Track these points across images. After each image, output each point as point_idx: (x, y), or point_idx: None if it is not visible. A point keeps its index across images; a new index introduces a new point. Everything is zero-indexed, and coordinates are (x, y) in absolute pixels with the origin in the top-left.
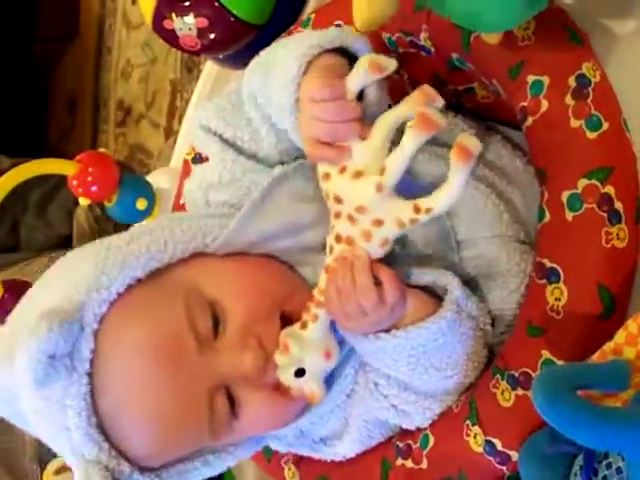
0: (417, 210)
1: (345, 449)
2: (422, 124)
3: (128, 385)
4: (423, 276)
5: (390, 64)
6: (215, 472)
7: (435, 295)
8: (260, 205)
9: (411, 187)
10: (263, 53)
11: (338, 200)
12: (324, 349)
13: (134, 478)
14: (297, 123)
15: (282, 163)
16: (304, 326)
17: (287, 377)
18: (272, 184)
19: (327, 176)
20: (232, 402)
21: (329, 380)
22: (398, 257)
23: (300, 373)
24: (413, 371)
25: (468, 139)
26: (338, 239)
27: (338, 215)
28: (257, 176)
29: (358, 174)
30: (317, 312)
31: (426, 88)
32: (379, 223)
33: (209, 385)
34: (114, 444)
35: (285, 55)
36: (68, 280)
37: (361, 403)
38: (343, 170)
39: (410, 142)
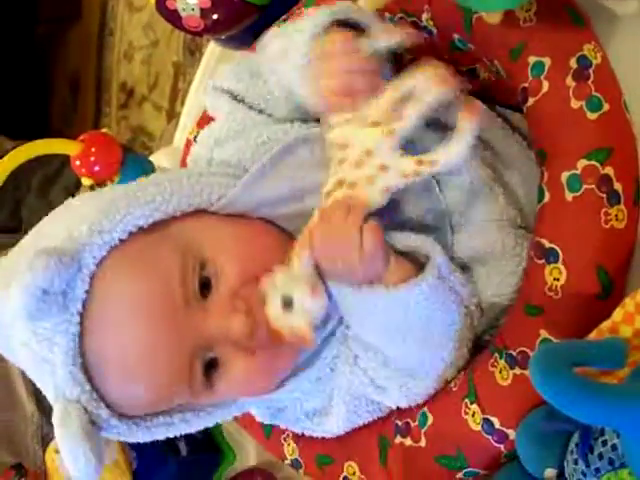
0: (420, 162)
1: (332, 426)
2: (444, 81)
3: (116, 331)
4: (407, 240)
5: (403, 32)
6: (192, 430)
7: (418, 264)
8: (267, 170)
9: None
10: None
11: (345, 146)
12: (310, 284)
13: (112, 423)
14: (310, 80)
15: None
16: (288, 261)
17: (275, 311)
18: (281, 151)
19: (337, 124)
20: (215, 363)
21: (312, 353)
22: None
23: (288, 305)
24: (391, 338)
25: (474, 101)
26: (340, 184)
27: (342, 162)
28: (266, 129)
29: (372, 124)
30: (301, 251)
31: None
32: (384, 169)
33: (193, 344)
34: (95, 387)
35: (303, 22)
36: (72, 220)
37: (343, 377)
38: (348, 121)
39: (431, 95)
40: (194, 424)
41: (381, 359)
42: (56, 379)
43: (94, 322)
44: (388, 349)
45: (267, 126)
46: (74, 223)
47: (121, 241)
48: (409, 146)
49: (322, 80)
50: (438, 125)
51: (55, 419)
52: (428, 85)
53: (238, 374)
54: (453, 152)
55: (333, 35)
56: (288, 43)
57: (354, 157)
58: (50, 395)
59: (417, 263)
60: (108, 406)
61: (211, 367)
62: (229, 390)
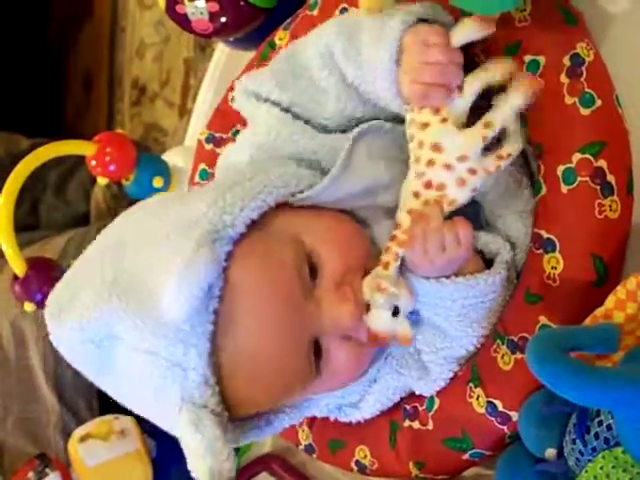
0: (500, 157)
1: (357, 417)
2: (531, 85)
3: (248, 327)
4: (482, 236)
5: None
6: (269, 434)
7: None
8: (347, 163)
9: None
10: (334, 24)
11: (436, 149)
12: (407, 287)
13: (227, 428)
14: (397, 75)
15: (342, 131)
16: (387, 267)
17: (384, 319)
18: (356, 138)
19: (426, 125)
20: (319, 353)
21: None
22: None
23: (395, 313)
24: (460, 322)
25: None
26: (428, 185)
27: (431, 163)
28: (312, 140)
29: (463, 125)
30: (398, 251)
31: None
32: (474, 172)
33: (310, 334)
34: (221, 389)
35: (374, 22)
36: (193, 212)
37: (394, 362)
38: (444, 120)
39: (518, 99)
40: (275, 427)
41: (437, 342)
42: (187, 384)
43: (227, 320)
44: (451, 331)
45: (313, 137)
46: (198, 216)
47: (242, 235)
48: None
49: (411, 76)
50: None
51: (185, 426)
52: (516, 88)
53: (341, 362)
54: (520, 141)
55: (428, 28)
56: (378, 35)
57: (445, 161)
58: (173, 401)
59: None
60: (227, 408)
61: (316, 357)
62: (332, 378)
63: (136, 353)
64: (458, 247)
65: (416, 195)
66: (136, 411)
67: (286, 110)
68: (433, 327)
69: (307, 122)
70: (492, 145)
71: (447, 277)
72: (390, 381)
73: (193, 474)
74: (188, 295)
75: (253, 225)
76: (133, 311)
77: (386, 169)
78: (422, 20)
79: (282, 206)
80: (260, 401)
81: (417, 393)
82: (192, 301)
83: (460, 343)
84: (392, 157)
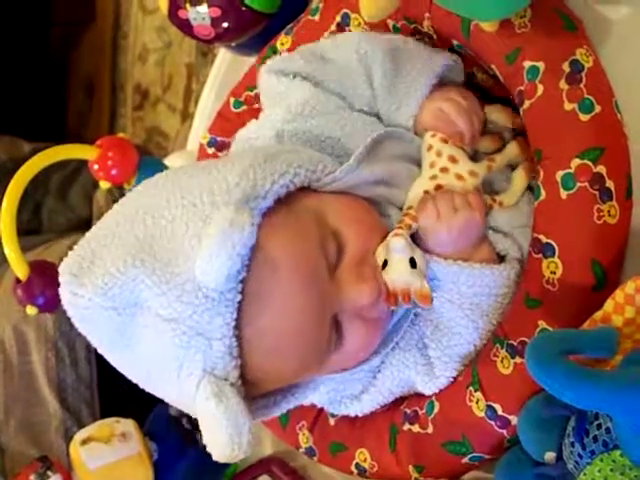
0: (493, 200)
1: (356, 410)
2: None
3: (274, 298)
4: (491, 234)
5: None
6: (274, 414)
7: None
8: (372, 149)
9: None
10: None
11: (453, 160)
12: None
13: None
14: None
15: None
16: (399, 229)
17: (402, 270)
18: (384, 135)
19: (446, 141)
20: (339, 331)
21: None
22: None
23: (412, 264)
24: (472, 312)
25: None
26: (438, 188)
27: (445, 170)
28: (348, 116)
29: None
30: (410, 223)
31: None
32: (479, 191)
33: (332, 311)
34: (241, 364)
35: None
36: (223, 183)
37: (397, 355)
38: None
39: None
40: (281, 408)
41: (445, 338)
42: (210, 354)
43: (254, 291)
44: (461, 323)
45: (349, 112)
46: (229, 185)
47: (269, 209)
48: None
49: (444, 107)
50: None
51: (206, 397)
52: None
53: (357, 339)
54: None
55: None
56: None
57: (457, 170)
58: (194, 373)
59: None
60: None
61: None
62: (347, 355)
63: (160, 321)
64: (470, 208)
65: (426, 194)
66: (149, 388)
67: (316, 85)
68: (443, 323)
69: (342, 97)
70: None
71: (464, 260)
72: (395, 373)
73: (211, 449)
74: (225, 258)
75: (279, 201)
76: (159, 277)
77: (403, 167)
78: None
79: (304, 189)
80: (277, 377)
81: (419, 389)
82: (228, 265)
83: (467, 339)
84: (409, 159)
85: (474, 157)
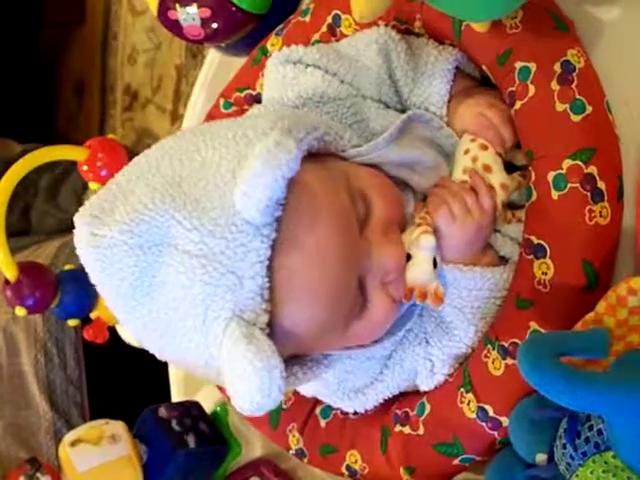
0: (512, 216)
1: (358, 407)
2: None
3: (309, 239)
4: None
5: None
6: (289, 388)
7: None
8: (401, 128)
9: None
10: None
11: (487, 169)
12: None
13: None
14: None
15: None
16: (416, 224)
17: (424, 269)
18: (412, 116)
19: (485, 147)
20: (362, 295)
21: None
22: None
23: (435, 264)
24: (472, 316)
25: None
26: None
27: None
28: (358, 100)
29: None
30: (431, 222)
31: None
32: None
33: (360, 271)
34: (270, 308)
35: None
36: (260, 128)
37: (406, 349)
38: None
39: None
40: (298, 377)
41: (445, 338)
42: (240, 293)
43: (290, 228)
44: (464, 324)
45: (359, 100)
46: (264, 129)
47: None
48: None
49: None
50: None
51: (236, 339)
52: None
53: (382, 309)
54: None
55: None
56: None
57: (489, 179)
58: (222, 315)
59: None
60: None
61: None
62: (366, 325)
63: (188, 258)
64: (482, 209)
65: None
66: (165, 347)
67: (328, 73)
68: (444, 323)
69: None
70: None
71: (465, 265)
72: (406, 364)
73: (238, 400)
74: (270, 179)
75: (308, 157)
76: (189, 212)
77: (429, 156)
78: None
79: (332, 155)
80: (303, 332)
81: (418, 384)
82: (273, 187)
83: (466, 341)
84: (436, 147)
85: (507, 169)
